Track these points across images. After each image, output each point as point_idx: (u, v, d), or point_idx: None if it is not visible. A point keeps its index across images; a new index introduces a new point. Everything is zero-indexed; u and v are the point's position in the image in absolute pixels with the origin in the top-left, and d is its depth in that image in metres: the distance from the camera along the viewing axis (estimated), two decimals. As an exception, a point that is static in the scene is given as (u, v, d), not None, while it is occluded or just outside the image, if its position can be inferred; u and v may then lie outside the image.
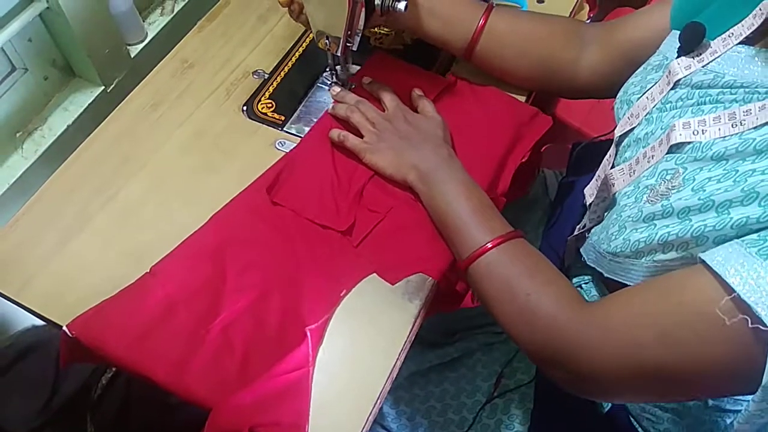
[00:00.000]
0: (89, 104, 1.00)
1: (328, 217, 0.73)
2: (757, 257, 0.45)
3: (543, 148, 1.46)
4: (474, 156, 0.78)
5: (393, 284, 0.70)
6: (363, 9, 0.73)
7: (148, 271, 0.68)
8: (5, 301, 0.70)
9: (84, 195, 0.77)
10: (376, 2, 0.76)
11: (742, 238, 0.48)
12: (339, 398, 0.64)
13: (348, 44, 0.77)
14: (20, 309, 0.70)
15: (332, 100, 0.83)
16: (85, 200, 0.76)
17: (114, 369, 1.00)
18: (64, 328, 0.64)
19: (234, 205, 0.73)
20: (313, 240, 0.72)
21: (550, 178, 0.99)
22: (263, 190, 0.74)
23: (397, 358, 0.66)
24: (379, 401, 0.64)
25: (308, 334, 0.64)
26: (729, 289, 0.45)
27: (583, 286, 0.77)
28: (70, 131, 0.97)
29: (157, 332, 0.63)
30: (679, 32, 0.62)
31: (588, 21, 1.56)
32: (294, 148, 0.80)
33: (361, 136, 0.78)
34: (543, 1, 0.97)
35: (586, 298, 0.76)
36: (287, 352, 0.63)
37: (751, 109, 0.53)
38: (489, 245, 0.64)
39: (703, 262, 0.49)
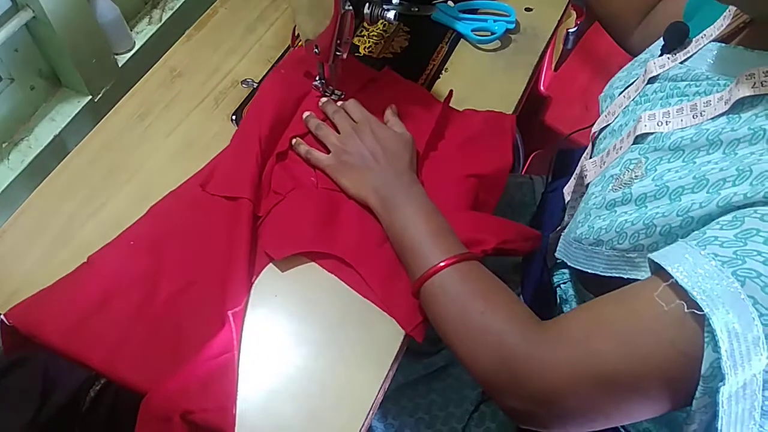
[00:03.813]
0: (76, 114, 0.99)
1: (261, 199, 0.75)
2: (696, 247, 0.46)
3: (532, 155, 1.47)
4: (447, 172, 0.79)
5: (278, 259, 0.71)
6: (352, 18, 0.73)
7: (86, 260, 0.69)
8: (-9, 314, 0.69)
9: (71, 206, 0.76)
10: (365, 11, 0.76)
11: (686, 238, 0.49)
12: (332, 410, 0.63)
13: (337, 53, 0.77)
14: (6, 322, 0.69)
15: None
16: (72, 211, 0.75)
17: (102, 381, 0.99)
18: (1, 316, 0.65)
19: (170, 197, 0.75)
20: (239, 227, 0.72)
21: (538, 185, 0.99)
22: (198, 183, 0.76)
23: (390, 369, 0.66)
24: (371, 412, 0.63)
25: (230, 318, 0.65)
26: (667, 276, 0.46)
27: (562, 286, 0.78)
28: (56, 142, 0.96)
29: (92, 320, 0.66)
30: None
31: (575, 28, 1.57)
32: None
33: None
34: (531, 10, 0.98)
35: (564, 297, 0.77)
36: (214, 337, 0.65)
37: (710, 101, 0.54)
38: (442, 264, 0.63)
39: (649, 260, 0.49)
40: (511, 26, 0.94)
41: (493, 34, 0.94)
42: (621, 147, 0.62)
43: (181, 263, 0.70)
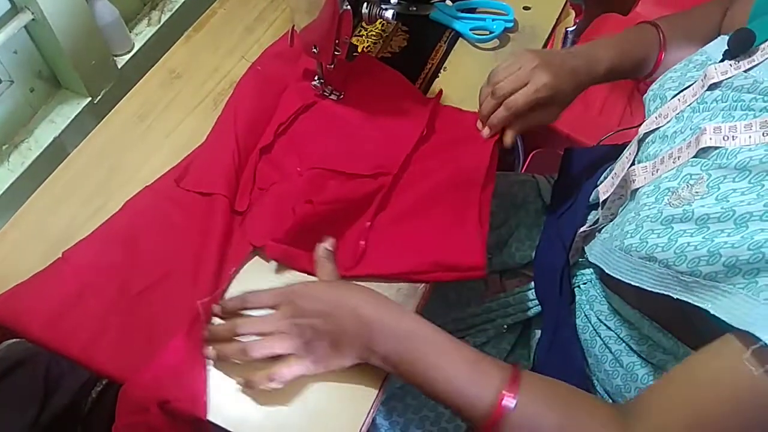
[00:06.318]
0: (76, 116, 0.99)
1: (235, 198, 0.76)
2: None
3: (532, 154, 1.47)
4: (433, 168, 0.79)
5: (263, 249, 0.71)
6: (350, 18, 0.73)
7: (60, 256, 0.70)
8: (-8, 315, 0.69)
9: (72, 207, 0.76)
10: (363, 11, 0.76)
11: (747, 289, 0.48)
12: (333, 409, 0.63)
13: (336, 52, 0.77)
14: (8, 324, 0.69)
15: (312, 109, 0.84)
16: (72, 213, 0.75)
17: (104, 382, 0.99)
18: None
19: (145, 192, 0.76)
20: (212, 222, 0.73)
21: (542, 183, 0.99)
22: (173, 179, 0.77)
23: (390, 367, 0.66)
24: (372, 410, 0.64)
25: (200, 308, 0.67)
26: (753, 340, 0.46)
27: (582, 286, 0.77)
28: (56, 143, 0.97)
29: (68, 313, 0.67)
30: (726, 36, 0.62)
31: (573, 27, 1.58)
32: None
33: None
34: (529, 8, 0.98)
35: (585, 297, 0.76)
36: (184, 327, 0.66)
37: None
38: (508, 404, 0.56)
39: (725, 323, 0.48)
40: (510, 25, 0.94)
41: (491, 33, 0.94)
42: (679, 157, 0.59)
43: (155, 257, 0.71)
